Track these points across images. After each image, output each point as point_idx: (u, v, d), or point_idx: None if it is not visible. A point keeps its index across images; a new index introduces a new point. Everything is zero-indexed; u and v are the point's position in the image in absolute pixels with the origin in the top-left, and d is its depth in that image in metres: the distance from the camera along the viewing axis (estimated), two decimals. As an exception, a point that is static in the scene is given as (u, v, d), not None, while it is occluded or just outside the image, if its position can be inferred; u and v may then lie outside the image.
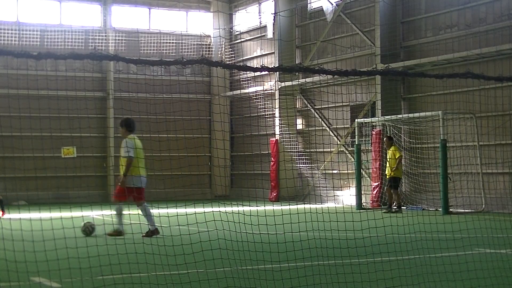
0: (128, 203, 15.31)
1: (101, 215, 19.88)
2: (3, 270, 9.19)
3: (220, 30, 34.92)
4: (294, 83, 30.90)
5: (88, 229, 15.00)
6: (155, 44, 33.67)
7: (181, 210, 16.96)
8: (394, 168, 23.44)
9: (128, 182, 14.89)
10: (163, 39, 33.96)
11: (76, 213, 15.84)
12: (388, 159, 23.81)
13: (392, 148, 23.85)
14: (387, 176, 23.95)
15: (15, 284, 8.78)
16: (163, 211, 16.70)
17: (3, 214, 21.07)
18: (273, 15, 32.15)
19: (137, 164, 14.92)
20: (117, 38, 33.20)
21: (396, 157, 23.51)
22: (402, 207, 24.24)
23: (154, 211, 15.97)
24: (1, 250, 9.92)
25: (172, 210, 17.76)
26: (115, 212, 15.08)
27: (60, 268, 9.31)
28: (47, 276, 9.20)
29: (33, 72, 29.77)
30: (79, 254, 9.79)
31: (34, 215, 16.75)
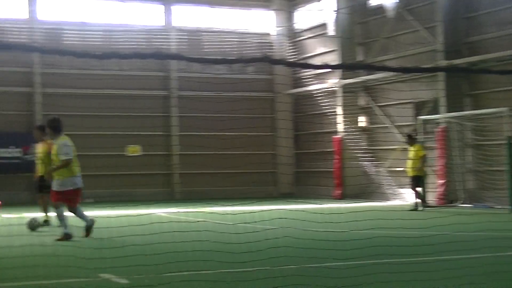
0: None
1: (166, 213, 20.08)
2: (73, 267, 9.36)
3: (281, 28, 34.92)
4: (356, 80, 30.72)
5: (32, 224, 15.53)
6: (217, 43, 33.83)
7: (246, 208, 17.02)
8: (417, 167, 23.11)
9: (65, 184, 14.10)
10: (225, 38, 34.10)
11: (142, 210, 16.06)
12: (411, 158, 23.49)
13: (415, 146, 23.54)
14: (409, 175, 23.63)
15: (84, 281, 8.94)
16: (228, 209, 16.81)
17: None
18: (334, 12, 32.01)
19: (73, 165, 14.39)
20: (179, 37, 33.46)
21: (420, 156, 23.22)
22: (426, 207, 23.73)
23: (219, 209, 16.02)
24: (70, 247, 10.10)
25: (237, 208, 17.85)
26: (57, 216, 14.21)
27: (128, 265, 9.43)
28: (115, 273, 9.34)
29: (98, 71, 30.21)
30: (146, 251, 9.91)
31: (101, 212, 17.00)
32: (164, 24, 33.46)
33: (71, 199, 14.01)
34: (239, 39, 34.23)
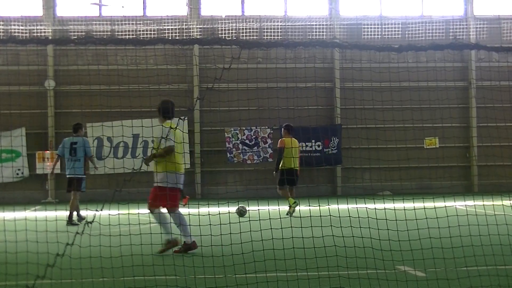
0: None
1: (463, 205, 19.79)
2: (371, 258, 9.60)
3: None
4: None
5: (240, 211, 17.53)
6: (518, 30, 32.62)
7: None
8: None
9: (165, 179, 11.79)
10: (526, 24, 32.78)
11: (438, 203, 15.98)
12: None
13: None
14: None
15: (381, 272, 9.16)
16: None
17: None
18: None
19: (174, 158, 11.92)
20: (478, 26, 32.70)
21: None
22: None
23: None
24: (368, 238, 10.34)
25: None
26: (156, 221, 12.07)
27: (425, 258, 9.50)
28: (412, 265, 9.45)
29: (394, 64, 30.42)
30: (443, 245, 9.91)
31: (398, 205, 17.15)
32: (462, 14, 32.92)
33: (169, 199, 11.69)
34: (541, 25, 32.77)
